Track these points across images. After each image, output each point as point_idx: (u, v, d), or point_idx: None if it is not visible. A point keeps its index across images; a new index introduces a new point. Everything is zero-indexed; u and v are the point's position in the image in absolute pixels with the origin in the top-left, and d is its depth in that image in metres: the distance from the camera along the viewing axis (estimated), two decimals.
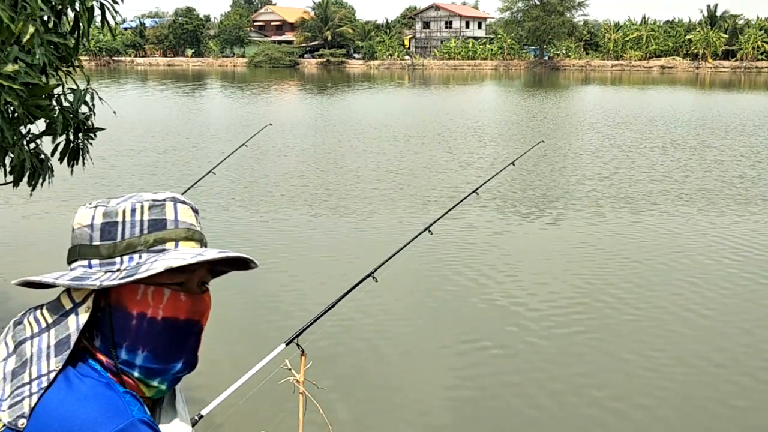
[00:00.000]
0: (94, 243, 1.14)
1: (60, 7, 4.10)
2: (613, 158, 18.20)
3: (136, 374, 1.14)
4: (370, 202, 13.17)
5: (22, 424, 1.03)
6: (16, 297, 7.45)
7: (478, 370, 6.56)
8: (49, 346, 1.09)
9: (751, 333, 7.28)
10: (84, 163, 4.81)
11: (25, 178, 4.38)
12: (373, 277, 4.10)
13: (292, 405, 4.36)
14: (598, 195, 13.67)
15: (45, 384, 1.05)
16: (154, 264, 1.09)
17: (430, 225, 4.89)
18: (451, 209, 5.55)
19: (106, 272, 1.12)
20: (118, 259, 1.13)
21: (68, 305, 1.12)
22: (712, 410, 5.85)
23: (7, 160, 4.26)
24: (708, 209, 12.49)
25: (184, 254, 1.12)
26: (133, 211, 1.15)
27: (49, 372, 1.07)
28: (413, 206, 12.80)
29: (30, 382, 1.06)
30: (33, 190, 4.58)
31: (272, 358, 3.52)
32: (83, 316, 1.10)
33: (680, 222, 11.65)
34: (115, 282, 1.08)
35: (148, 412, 1.12)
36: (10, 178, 4.38)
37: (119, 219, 1.14)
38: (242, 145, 6.88)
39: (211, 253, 1.13)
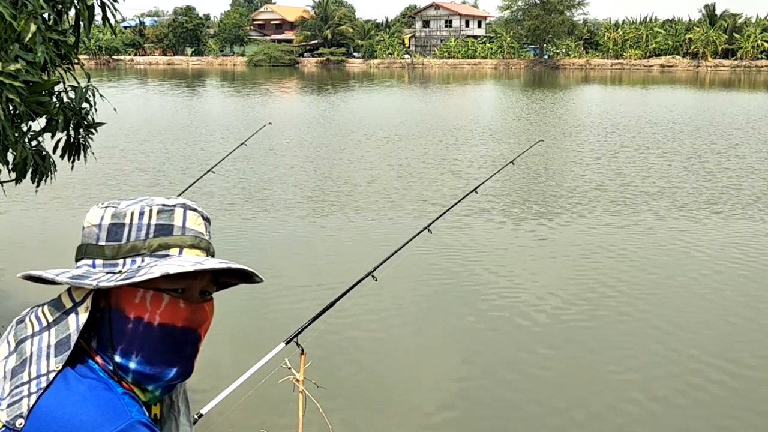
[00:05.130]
0: (100, 243, 1.14)
1: (60, 6, 4.10)
2: (612, 158, 18.19)
3: (130, 379, 1.14)
4: (369, 201, 13.17)
5: (20, 424, 1.02)
6: (16, 295, 7.45)
7: (478, 369, 6.56)
8: (49, 346, 1.08)
9: (754, 335, 7.30)
10: (86, 158, 4.82)
11: (28, 175, 4.38)
12: (373, 276, 4.10)
13: (291, 404, 4.36)
14: (598, 194, 13.67)
15: (44, 384, 1.05)
16: (152, 269, 1.09)
17: (430, 224, 4.89)
18: (450, 208, 5.55)
19: (107, 273, 1.12)
20: (120, 261, 1.13)
21: (68, 304, 1.12)
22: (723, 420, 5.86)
23: (10, 158, 4.26)
24: (710, 211, 12.49)
25: (185, 262, 1.11)
26: (141, 214, 1.15)
27: (48, 372, 1.06)
28: (412, 205, 12.80)
29: (29, 382, 1.06)
30: (38, 186, 4.59)
31: (272, 357, 3.52)
32: (82, 316, 1.10)
33: (679, 222, 11.65)
34: (112, 283, 1.08)
35: (147, 414, 1.12)
36: (13, 175, 4.39)
37: (126, 221, 1.14)
38: (242, 144, 6.88)
39: (211, 263, 1.12)
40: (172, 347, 1.14)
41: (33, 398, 1.04)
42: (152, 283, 1.11)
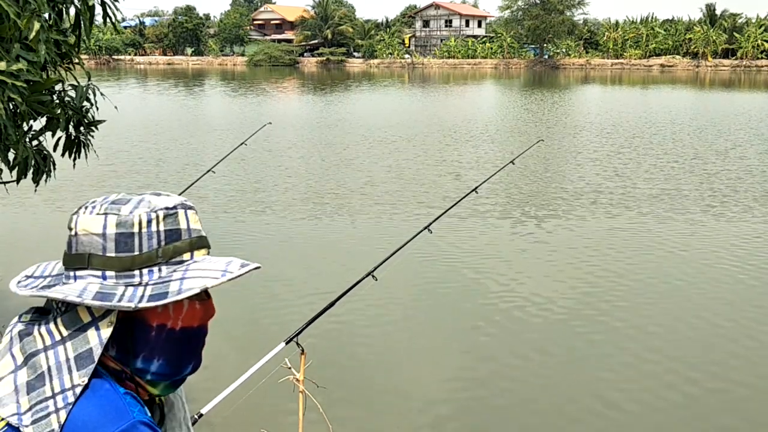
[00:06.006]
0: (108, 254, 1.11)
1: (62, 5, 4.10)
2: (612, 158, 18.20)
3: (147, 378, 1.16)
4: (369, 201, 13.17)
5: None
6: (15, 295, 7.44)
7: (479, 369, 6.56)
8: (68, 360, 1.07)
9: (754, 336, 7.30)
10: (86, 157, 4.82)
11: (29, 175, 4.38)
12: (373, 276, 4.10)
13: (292, 404, 4.36)
14: (598, 195, 13.67)
15: (71, 399, 1.04)
16: (185, 283, 1.11)
17: (430, 224, 4.89)
18: (450, 208, 5.55)
19: (126, 286, 1.11)
20: (136, 272, 1.12)
21: (86, 319, 1.10)
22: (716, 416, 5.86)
23: (11, 157, 4.26)
24: (710, 211, 12.49)
25: (212, 271, 1.13)
26: (149, 221, 1.12)
27: (74, 386, 1.05)
28: (413, 205, 12.80)
29: (53, 397, 1.04)
30: (37, 186, 4.59)
31: (272, 357, 3.52)
32: (105, 331, 1.09)
33: (680, 224, 11.65)
34: (152, 304, 1.08)
35: (149, 413, 1.13)
36: (14, 174, 4.38)
37: (135, 230, 1.11)
38: (242, 144, 6.88)
39: (235, 269, 1.14)
40: (191, 346, 1.19)
41: (62, 414, 1.03)
42: None
